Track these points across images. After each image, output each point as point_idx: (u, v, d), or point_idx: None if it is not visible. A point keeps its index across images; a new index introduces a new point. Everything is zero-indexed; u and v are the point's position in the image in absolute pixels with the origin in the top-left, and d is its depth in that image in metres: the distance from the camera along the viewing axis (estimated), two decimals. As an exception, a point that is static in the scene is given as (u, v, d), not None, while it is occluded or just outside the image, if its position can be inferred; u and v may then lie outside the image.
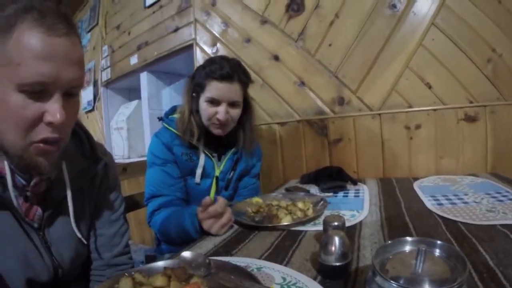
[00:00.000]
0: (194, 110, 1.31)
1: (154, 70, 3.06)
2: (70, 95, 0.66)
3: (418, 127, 1.58)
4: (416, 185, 1.29)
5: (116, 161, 1.00)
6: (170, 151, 1.29)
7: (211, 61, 1.31)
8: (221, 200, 0.97)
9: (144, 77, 3.08)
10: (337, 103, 1.78)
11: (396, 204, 1.08)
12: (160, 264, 0.64)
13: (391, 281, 0.43)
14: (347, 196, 1.28)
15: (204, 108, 1.27)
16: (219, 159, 1.37)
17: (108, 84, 3.54)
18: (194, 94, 1.31)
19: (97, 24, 3.64)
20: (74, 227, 0.77)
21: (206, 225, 0.96)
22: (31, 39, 0.59)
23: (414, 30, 1.57)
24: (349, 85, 1.74)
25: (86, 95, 3.84)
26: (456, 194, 1.10)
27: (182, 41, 2.57)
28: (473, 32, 1.47)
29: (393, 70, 1.62)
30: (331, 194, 1.33)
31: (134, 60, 3.07)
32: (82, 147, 0.85)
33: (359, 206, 1.09)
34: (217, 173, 1.34)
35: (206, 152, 1.32)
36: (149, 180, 1.29)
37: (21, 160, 0.65)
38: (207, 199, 0.95)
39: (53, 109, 0.61)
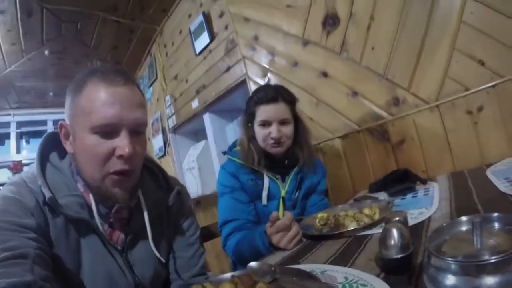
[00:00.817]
0: (252, 138, 1.43)
1: (215, 110, 3.26)
2: (137, 134, 0.80)
3: (480, 109, 1.45)
4: (489, 172, 1.18)
5: (191, 197, 1.12)
6: (236, 179, 1.39)
7: (256, 91, 1.47)
8: (288, 214, 1.01)
9: (207, 118, 3.29)
10: (393, 105, 1.73)
11: (468, 194, 1.01)
12: (228, 274, 0.69)
13: (446, 258, 0.42)
14: (416, 196, 1.23)
15: (258, 131, 1.40)
16: (283, 180, 1.43)
17: (175, 129, 3.84)
18: (249, 124, 1.45)
19: (156, 78, 4.03)
20: (153, 248, 0.87)
21: (275, 239, 0.99)
22: (97, 92, 0.75)
23: (451, 8, 1.47)
24: (400, 84, 1.69)
25: (157, 142, 4.20)
26: (534, 172, 0.98)
27: (235, 78, 2.73)
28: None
29: (440, 56, 1.53)
30: (400, 197, 1.28)
31: (195, 104, 3.31)
32: (157, 180, 0.98)
33: (428, 203, 1.04)
34: (282, 194, 1.40)
35: (270, 175, 1.40)
36: (221, 208, 1.39)
37: (99, 191, 0.79)
38: (274, 214, 1.00)
39: (122, 144, 0.75)
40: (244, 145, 1.42)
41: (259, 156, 1.39)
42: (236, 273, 0.70)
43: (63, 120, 0.81)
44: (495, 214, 0.49)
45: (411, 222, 0.83)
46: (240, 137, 1.47)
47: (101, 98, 0.74)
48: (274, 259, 0.90)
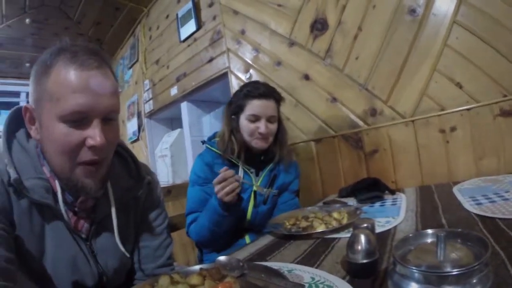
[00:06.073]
0: (235, 130, 1.43)
1: (193, 99, 3.23)
2: (108, 120, 0.74)
3: (453, 129, 1.52)
4: (455, 189, 1.24)
5: (162, 185, 1.09)
6: (211, 171, 1.39)
7: (246, 85, 1.48)
8: (228, 172, 1.15)
9: (184, 106, 3.25)
10: (370, 115, 1.78)
11: (434, 208, 1.05)
12: (197, 267, 0.70)
13: (411, 267, 0.44)
14: (384, 205, 1.26)
15: (246, 125, 1.39)
16: (257, 175, 1.45)
17: (151, 115, 3.77)
18: (233, 116, 1.44)
19: (137, 60, 3.93)
20: (118, 242, 0.83)
21: (215, 189, 1.16)
22: (66, 76, 0.68)
23: (437, 32, 1.53)
24: (379, 96, 1.74)
25: (131, 126, 4.10)
26: (497, 193, 1.04)
27: (217, 70, 2.71)
28: (496, 23, 1.39)
29: (421, 75, 1.59)
30: (368, 204, 1.32)
31: (174, 91, 3.26)
32: (128, 168, 0.93)
33: (395, 213, 1.08)
34: (255, 188, 1.41)
35: (245, 168, 1.41)
36: (190, 196, 1.40)
37: (69, 182, 0.74)
38: (224, 168, 1.16)
39: (94, 134, 0.70)
40: (225, 137, 1.42)
41: (240, 149, 1.40)
42: (204, 266, 0.70)
43: (28, 103, 0.74)
44: (459, 230, 0.51)
45: (377, 229, 0.85)
46: (221, 128, 1.47)
47: (71, 84, 0.67)
48: (241, 254, 0.91)
